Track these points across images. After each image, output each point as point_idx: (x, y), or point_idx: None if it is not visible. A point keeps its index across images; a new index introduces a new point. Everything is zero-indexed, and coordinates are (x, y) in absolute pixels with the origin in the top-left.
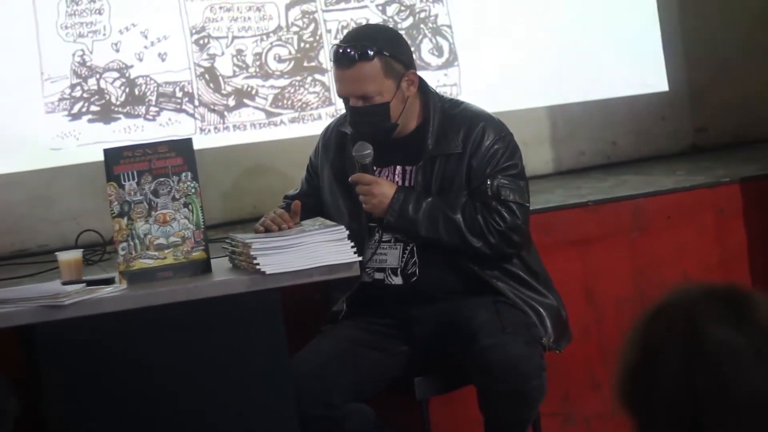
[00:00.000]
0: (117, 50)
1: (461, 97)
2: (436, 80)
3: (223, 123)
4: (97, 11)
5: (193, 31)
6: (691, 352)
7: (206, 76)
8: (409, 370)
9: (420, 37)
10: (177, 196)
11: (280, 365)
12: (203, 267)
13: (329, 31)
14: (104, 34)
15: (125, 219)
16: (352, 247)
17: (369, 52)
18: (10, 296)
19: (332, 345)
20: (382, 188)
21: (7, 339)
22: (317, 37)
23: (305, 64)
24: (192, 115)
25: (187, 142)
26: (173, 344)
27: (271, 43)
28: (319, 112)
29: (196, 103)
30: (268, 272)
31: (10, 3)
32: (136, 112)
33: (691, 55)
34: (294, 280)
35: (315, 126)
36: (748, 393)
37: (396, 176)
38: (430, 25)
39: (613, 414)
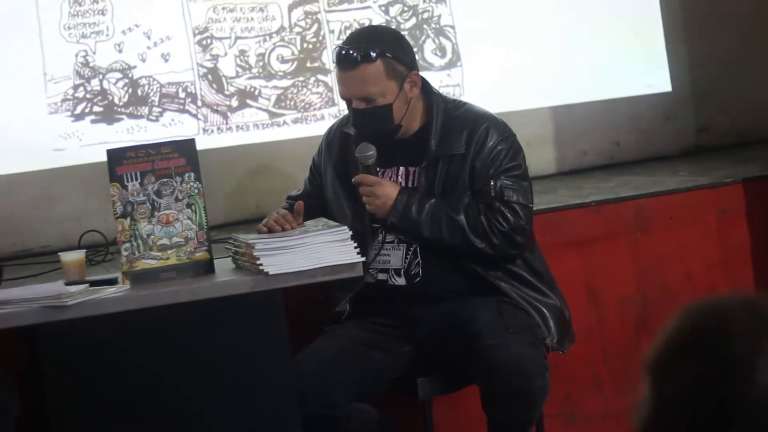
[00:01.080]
0: (120, 51)
1: (464, 98)
2: (439, 81)
3: (226, 123)
4: (100, 12)
5: (196, 31)
6: (738, 386)
7: (209, 76)
8: (411, 371)
9: (423, 37)
10: (180, 197)
11: (283, 365)
12: (206, 267)
13: (332, 32)
14: (107, 35)
15: (128, 219)
16: (356, 247)
17: (371, 53)
18: (13, 297)
19: (335, 345)
20: (385, 189)
21: (10, 339)
22: (320, 38)
23: (308, 64)
24: (195, 116)
25: (190, 143)
26: (176, 345)
27: (274, 44)
28: (322, 112)
29: (199, 103)
30: (271, 273)
31: (14, 3)
32: (139, 113)
33: (694, 56)
34: (297, 281)
35: (318, 126)
36: None
37: (399, 177)
38: (433, 25)
39: (615, 414)
